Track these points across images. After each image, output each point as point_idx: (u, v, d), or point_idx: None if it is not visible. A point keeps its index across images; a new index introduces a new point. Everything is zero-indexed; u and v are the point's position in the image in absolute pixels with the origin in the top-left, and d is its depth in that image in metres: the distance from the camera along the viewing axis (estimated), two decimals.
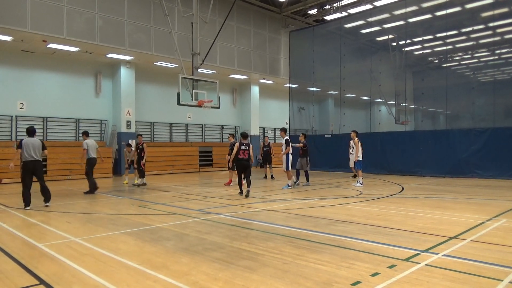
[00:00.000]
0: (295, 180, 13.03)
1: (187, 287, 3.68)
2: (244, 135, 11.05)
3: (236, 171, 11.34)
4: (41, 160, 9.09)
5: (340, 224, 6.60)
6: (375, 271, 4.05)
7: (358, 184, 13.03)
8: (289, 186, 12.59)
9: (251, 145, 10.81)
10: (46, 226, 6.73)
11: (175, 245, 5.27)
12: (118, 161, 18.98)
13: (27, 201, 8.84)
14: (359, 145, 13.12)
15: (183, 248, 5.09)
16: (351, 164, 16.14)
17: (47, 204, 9.12)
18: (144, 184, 14.05)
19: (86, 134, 12.00)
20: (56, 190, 12.75)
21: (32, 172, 8.96)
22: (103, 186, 14.06)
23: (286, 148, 12.40)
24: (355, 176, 16.60)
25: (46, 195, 9.14)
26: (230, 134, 14.84)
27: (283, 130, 12.92)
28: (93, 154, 11.70)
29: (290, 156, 12.57)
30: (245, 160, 10.61)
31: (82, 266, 4.35)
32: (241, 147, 10.59)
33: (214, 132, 24.28)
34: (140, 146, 14.03)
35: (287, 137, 12.58)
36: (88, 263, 4.47)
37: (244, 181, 10.92)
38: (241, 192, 10.86)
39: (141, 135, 14.65)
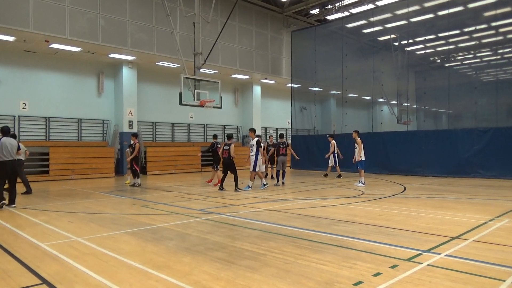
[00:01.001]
0: (264, 183, 12.84)
1: (189, 287, 3.69)
2: (228, 137, 12.17)
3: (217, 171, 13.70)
4: (16, 160, 8.99)
5: (342, 224, 6.60)
6: (377, 271, 4.05)
7: (360, 184, 13.02)
8: (265, 185, 12.59)
9: (232, 145, 11.79)
10: (49, 225, 6.75)
11: (177, 245, 5.28)
12: (120, 161, 19.02)
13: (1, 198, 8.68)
14: (361, 145, 13.10)
15: (185, 248, 5.10)
16: (331, 163, 16.79)
17: (14, 205, 8.92)
18: (136, 185, 13.65)
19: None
20: (59, 190, 12.81)
21: (11, 172, 8.85)
22: (106, 186, 14.09)
23: (256, 149, 12.18)
24: (326, 175, 16.66)
25: (12, 196, 8.97)
26: (213, 136, 14.76)
27: (252, 130, 12.64)
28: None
29: (259, 157, 12.37)
30: (226, 159, 11.84)
31: (84, 266, 4.36)
32: (224, 147, 11.96)
33: (216, 132, 24.27)
34: (133, 146, 13.68)
35: (258, 138, 12.38)
36: (90, 263, 4.48)
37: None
38: (220, 188, 12.11)
39: (134, 135, 14.00)
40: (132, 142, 13.96)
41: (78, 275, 4.10)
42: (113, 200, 10.22)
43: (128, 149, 15.08)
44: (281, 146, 13.88)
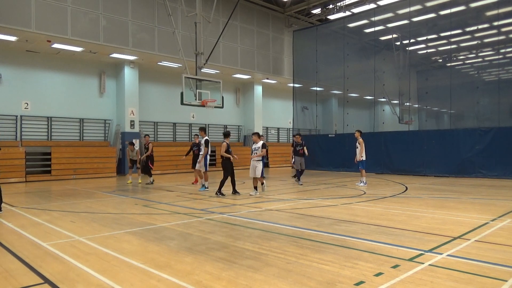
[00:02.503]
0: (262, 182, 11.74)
1: (190, 287, 3.69)
2: (225, 135, 11.36)
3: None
4: None
5: (343, 224, 6.59)
6: (378, 271, 4.05)
7: (362, 184, 13.01)
8: (206, 188, 12.02)
9: (223, 144, 10.90)
10: (51, 225, 6.76)
11: (179, 245, 5.28)
12: (122, 161, 19.04)
13: None
14: (363, 144, 13.07)
15: (187, 248, 5.11)
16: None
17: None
18: (151, 183, 14.30)
19: None
20: (61, 190, 12.83)
21: None
22: (108, 186, 14.11)
23: (204, 149, 11.81)
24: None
25: None
26: (195, 135, 14.40)
27: (202, 129, 12.32)
28: None
29: (208, 157, 12.08)
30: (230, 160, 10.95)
31: (86, 265, 4.37)
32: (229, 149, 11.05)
33: (217, 131, 24.29)
34: (146, 146, 14.27)
35: (206, 137, 12.00)
36: (92, 262, 4.49)
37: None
38: (234, 192, 10.99)
39: (148, 135, 14.89)
40: (144, 142, 14.51)
41: (80, 274, 4.11)
42: (115, 200, 10.23)
43: (128, 148, 15.16)
44: (298, 147, 13.82)
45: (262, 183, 11.39)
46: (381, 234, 5.78)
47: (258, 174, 10.89)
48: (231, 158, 10.82)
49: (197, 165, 12.20)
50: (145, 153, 14.33)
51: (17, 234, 6.11)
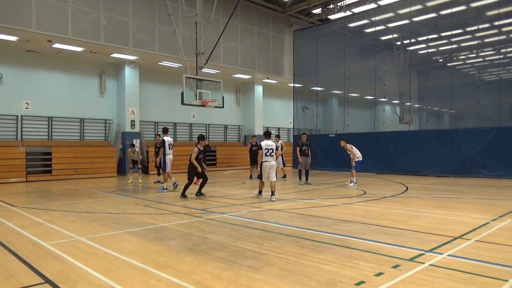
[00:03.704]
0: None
1: (191, 286, 3.69)
2: (198, 138, 10.60)
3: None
4: None
5: (344, 224, 6.59)
6: (379, 271, 4.04)
7: (352, 184, 13.06)
8: (164, 189, 11.82)
9: (194, 149, 10.24)
10: (52, 225, 6.77)
11: (179, 245, 5.29)
12: (122, 161, 19.05)
13: None
14: (352, 149, 13.07)
15: (187, 248, 5.11)
16: (279, 164, 15.89)
17: None
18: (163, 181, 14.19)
19: None
20: (61, 190, 12.84)
21: None
22: (108, 186, 14.11)
23: (160, 150, 11.74)
24: (285, 176, 16.32)
25: None
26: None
27: (164, 130, 12.21)
28: None
29: (168, 157, 11.91)
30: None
31: (86, 265, 4.37)
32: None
33: (218, 131, 24.32)
34: (158, 145, 14.15)
35: (164, 138, 11.93)
36: (93, 262, 4.49)
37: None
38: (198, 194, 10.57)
39: (159, 135, 14.76)
40: (156, 141, 14.39)
41: (80, 274, 4.11)
42: (115, 200, 10.23)
43: (129, 150, 15.15)
44: (304, 147, 13.58)
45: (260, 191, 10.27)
46: (381, 234, 5.78)
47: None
48: (198, 168, 10.05)
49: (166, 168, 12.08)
50: (158, 151, 14.18)
51: (18, 234, 6.12)
